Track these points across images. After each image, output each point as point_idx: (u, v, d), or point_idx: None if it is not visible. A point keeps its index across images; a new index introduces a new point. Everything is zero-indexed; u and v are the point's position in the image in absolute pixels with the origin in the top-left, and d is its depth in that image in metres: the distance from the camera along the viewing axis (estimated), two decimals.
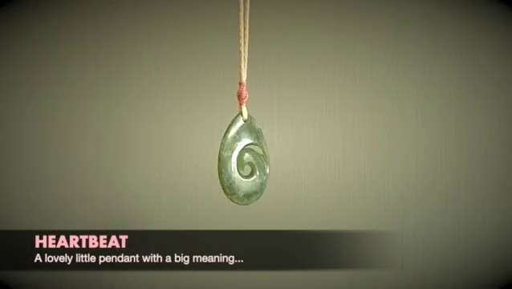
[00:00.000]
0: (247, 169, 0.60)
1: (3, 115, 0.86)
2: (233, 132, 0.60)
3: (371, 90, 0.82)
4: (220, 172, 0.59)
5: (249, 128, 0.60)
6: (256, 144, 0.60)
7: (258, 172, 0.60)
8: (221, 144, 0.59)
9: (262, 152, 0.60)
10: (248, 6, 0.58)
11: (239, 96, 0.59)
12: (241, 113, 0.59)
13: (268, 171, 0.61)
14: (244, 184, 0.60)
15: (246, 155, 0.60)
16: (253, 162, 0.60)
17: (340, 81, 0.82)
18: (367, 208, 0.82)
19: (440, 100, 0.82)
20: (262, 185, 0.60)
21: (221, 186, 0.59)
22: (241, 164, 0.60)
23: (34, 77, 0.85)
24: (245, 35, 0.58)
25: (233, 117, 0.59)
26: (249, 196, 0.60)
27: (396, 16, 0.82)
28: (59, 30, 0.85)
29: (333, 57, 0.82)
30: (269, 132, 0.82)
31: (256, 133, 0.60)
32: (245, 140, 0.60)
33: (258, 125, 0.60)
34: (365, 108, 0.82)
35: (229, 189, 0.59)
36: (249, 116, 0.60)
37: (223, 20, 0.83)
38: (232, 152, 0.59)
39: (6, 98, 0.85)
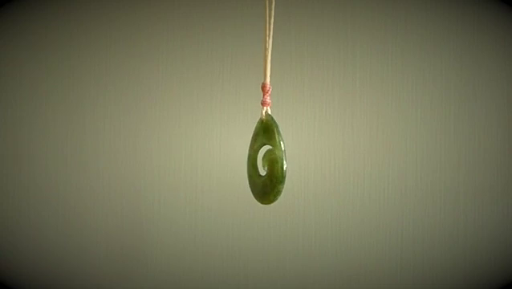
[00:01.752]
0: (266, 169, 0.60)
1: (3, 115, 0.86)
2: (254, 131, 0.60)
3: (370, 90, 0.82)
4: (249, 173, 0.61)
5: (265, 128, 0.60)
6: (270, 145, 0.59)
7: (271, 175, 0.59)
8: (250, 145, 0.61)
9: (278, 155, 0.59)
10: (273, 7, 0.57)
11: (263, 90, 0.59)
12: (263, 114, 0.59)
13: (279, 174, 0.59)
14: (259, 182, 0.59)
15: (267, 156, 0.59)
16: (270, 163, 0.59)
17: (340, 81, 0.82)
18: (367, 208, 0.82)
19: (440, 100, 0.82)
20: (273, 188, 0.59)
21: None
22: (262, 163, 0.60)
23: (34, 77, 0.85)
24: (269, 37, 0.58)
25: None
26: (262, 195, 0.59)
27: (396, 16, 0.82)
28: (59, 30, 0.85)
29: (333, 57, 0.82)
30: None
31: (270, 133, 0.59)
32: (260, 140, 0.60)
33: (273, 125, 0.60)
34: (365, 108, 0.82)
35: (249, 184, 0.60)
36: (268, 115, 0.60)
37: (223, 20, 0.83)
38: (252, 149, 0.60)
39: (5, 98, 0.85)
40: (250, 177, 0.60)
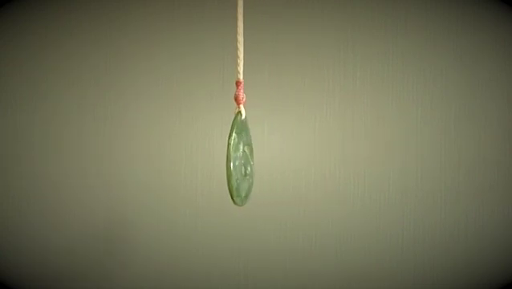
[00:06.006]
0: (243, 169, 0.59)
1: (3, 115, 0.86)
2: (235, 130, 0.58)
3: (371, 90, 0.82)
4: (229, 173, 0.56)
5: (246, 126, 0.59)
6: (249, 144, 0.59)
7: (251, 173, 0.59)
8: (228, 144, 0.57)
9: (249, 151, 0.59)
10: (241, 3, 0.57)
11: (236, 98, 0.58)
12: (239, 112, 0.58)
13: (252, 170, 0.59)
14: (245, 184, 0.58)
15: (243, 154, 0.58)
16: (249, 162, 0.59)
17: (340, 81, 0.82)
18: (367, 208, 0.82)
19: (440, 100, 0.82)
20: (251, 186, 0.59)
21: (228, 188, 0.57)
22: (245, 163, 0.59)
23: (34, 77, 0.85)
24: (239, 33, 0.58)
25: (234, 117, 0.58)
26: (246, 196, 0.59)
27: (396, 16, 0.82)
28: (59, 30, 0.85)
29: (333, 57, 0.82)
30: (269, 132, 0.82)
31: (247, 131, 0.59)
32: (244, 140, 0.58)
33: (248, 124, 0.59)
34: (365, 108, 0.82)
35: (236, 190, 0.57)
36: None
37: (223, 19, 0.83)
38: (238, 151, 0.58)
39: (5, 98, 0.85)
40: (239, 180, 0.58)
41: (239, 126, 0.58)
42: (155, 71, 0.84)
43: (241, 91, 0.58)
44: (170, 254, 0.84)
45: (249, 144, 0.59)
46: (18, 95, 0.85)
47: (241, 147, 0.58)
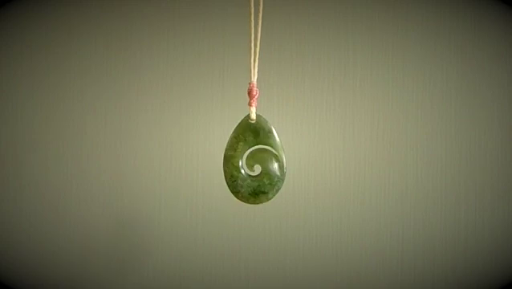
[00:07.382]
0: (257, 169, 0.60)
1: (2, 115, 0.86)
2: (236, 132, 0.60)
3: (371, 90, 0.82)
4: (223, 171, 0.61)
5: (257, 128, 0.60)
6: (266, 145, 0.60)
7: (268, 173, 0.60)
8: (226, 143, 0.60)
9: (276, 154, 0.60)
10: (261, 9, 0.58)
11: (249, 96, 0.60)
12: (248, 114, 0.60)
13: (280, 172, 0.60)
14: (250, 183, 0.60)
15: (258, 155, 0.60)
16: (264, 162, 0.60)
17: (340, 81, 0.82)
18: (367, 208, 0.82)
19: (440, 100, 0.82)
20: (273, 186, 0.60)
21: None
22: (250, 163, 0.60)
23: (33, 77, 0.85)
24: (256, 37, 0.59)
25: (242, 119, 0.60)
26: (255, 195, 0.60)
27: (396, 16, 0.82)
28: (59, 29, 0.85)
29: (334, 56, 0.82)
30: None
31: (266, 134, 0.60)
32: (251, 141, 0.60)
33: (268, 126, 0.60)
34: (365, 108, 0.82)
35: (231, 187, 0.60)
36: (259, 116, 0.60)
37: (224, 19, 0.83)
38: (235, 151, 0.60)
39: (5, 98, 0.85)
40: (235, 178, 0.61)
41: (246, 128, 0.60)
42: (155, 72, 0.84)
43: (255, 86, 0.59)
44: (170, 254, 0.84)
45: (269, 145, 0.61)
46: (17, 95, 0.85)
47: (245, 148, 0.60)
